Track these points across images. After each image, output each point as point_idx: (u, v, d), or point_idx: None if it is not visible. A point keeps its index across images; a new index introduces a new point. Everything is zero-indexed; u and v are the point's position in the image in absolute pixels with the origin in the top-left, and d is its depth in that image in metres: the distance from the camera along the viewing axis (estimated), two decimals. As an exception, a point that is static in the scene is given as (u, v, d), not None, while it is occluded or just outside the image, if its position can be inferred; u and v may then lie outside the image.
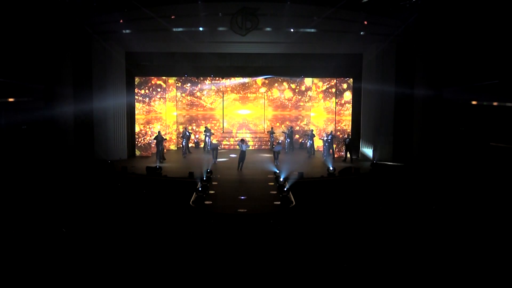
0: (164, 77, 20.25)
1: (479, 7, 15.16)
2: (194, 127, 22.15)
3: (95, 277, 7.64)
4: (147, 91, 19.72)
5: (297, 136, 22.14)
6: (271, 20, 17.27)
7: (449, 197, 12.84)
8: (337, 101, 20.07)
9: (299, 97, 22.34)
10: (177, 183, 14.66)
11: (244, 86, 22.27)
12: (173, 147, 21.54)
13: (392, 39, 17.80)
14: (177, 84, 21.85)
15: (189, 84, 22.06)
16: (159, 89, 20.07)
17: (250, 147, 21.68)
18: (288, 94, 22.33)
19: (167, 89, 20.71)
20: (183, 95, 22.22)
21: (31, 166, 15.67)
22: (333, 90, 20.48)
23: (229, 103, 22.39)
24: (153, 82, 19.92)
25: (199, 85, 22.13)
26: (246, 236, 9.93)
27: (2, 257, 8.26)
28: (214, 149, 18.69)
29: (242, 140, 17.17)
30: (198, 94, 22.32)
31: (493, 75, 15.42)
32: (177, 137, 21.69)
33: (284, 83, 22.21)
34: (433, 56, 17.94)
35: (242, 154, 16.69)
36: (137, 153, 19.51)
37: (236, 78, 21.62)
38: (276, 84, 22.21)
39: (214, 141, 19.94)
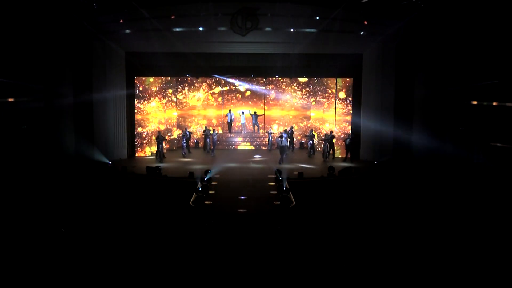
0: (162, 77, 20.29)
1: (479, 7, 15.15)
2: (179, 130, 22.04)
3: (95, 277, 7.63)
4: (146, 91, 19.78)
5: (298, 137, 22.09)
6: (271, 20, 17.25)
7: (449, 197, 12.84)
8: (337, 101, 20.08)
9: (300, 98, 22.34)
10: (177, 183, 14.66)
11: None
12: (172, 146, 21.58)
13: (392, 39, 17.80)
14: (176, 84, 21.85)
15: (185, 84, 22.06)
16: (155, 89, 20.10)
17: (250, 147, 21.69)
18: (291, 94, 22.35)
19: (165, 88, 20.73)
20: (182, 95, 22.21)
21: (31, 166, 15.67)
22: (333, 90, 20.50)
23: (229, 104, 22.42)
24: (151, 83, 19.96)
25: (195, 85, 22.13)
26: (246, 236, 9.92)
27: (2, 257, 8.26)
28: (230, 123, 21.14)
29: (282, 136, 18.22)
30: (191, 94, 22.32)
31: (493, 75, 15.41)
32: (178, 137, 21.68)
33: (283, 83, 22.22)
34: (433, 56, 17.93)
35: (282, 149, 17.96)
36: (148, 153, 19.67)
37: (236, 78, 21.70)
38: (273, 84, 22.23)
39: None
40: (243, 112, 22.01)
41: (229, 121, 21.87)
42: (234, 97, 22.43)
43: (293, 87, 22.19)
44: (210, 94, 22.31)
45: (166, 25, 17.08)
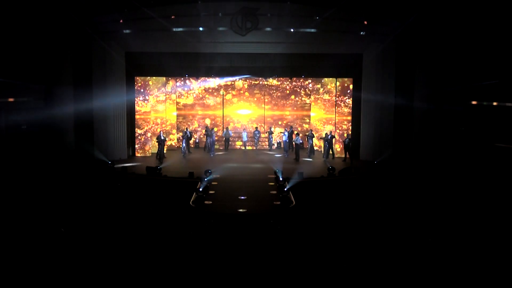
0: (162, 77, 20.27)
1: (479, 7, 15.15)
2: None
3: (95, 277, 7.63)
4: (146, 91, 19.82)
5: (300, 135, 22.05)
6: (271, 20, 17.26)
7: (448, 197, 12.83)
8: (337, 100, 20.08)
9: (299, 97, 22.36)
10: (177, 183, 14.66)
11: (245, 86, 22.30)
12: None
13: (392, 39, 17.80)
14: (176, 83, 21.84)
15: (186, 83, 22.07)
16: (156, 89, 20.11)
17: (250, 147, 21.64)
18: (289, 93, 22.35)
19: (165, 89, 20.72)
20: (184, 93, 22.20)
21: (31, 166, 15.67)
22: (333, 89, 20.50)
23: (229, 104, 22.42)
24: (150, 82, 19.98)
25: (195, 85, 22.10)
26: (246, 236, 9.92)
27: (2, 257, 8.26)
28: (227, 140, 20.78)
29: (297, 134, 19.14)
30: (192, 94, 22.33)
31: (493, 75, 15.42)
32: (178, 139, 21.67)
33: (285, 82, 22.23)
34: (433, 56, 17.93)
35: (297, 147, 18.85)
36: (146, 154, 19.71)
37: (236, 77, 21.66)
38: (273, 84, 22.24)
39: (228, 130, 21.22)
40: (244, 129, 21.48)
41: (225, 139, 21.20)
42: (233, 96, 22.42)
43: (300, 81, 22.04)
44: (206, 93, 22.21)
45: (166, 25, 17.09)
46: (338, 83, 20.09)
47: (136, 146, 19.78)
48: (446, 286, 7.59)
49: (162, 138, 18.55)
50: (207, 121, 22.40)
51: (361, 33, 17.68)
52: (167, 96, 20.82)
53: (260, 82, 22.12)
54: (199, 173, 15.01)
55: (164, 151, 18.94)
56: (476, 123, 16.81)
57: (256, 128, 21.45)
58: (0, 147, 15.12)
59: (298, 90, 22.27)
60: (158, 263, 8.22)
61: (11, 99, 15.83)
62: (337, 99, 20.16)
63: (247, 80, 22.00)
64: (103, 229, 9.94)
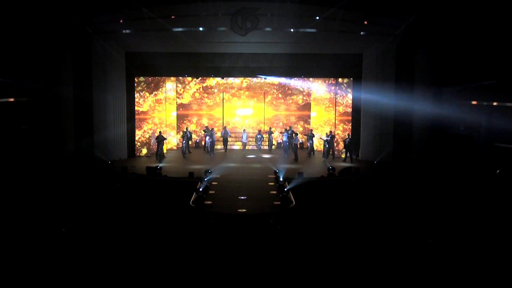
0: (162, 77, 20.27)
1: (479, 7, 15.16)
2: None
3: (95, 277, 7.64)
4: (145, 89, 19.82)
5: (300, 136, 22.06)
6: (271, 20, 17.27)
7: (449, 197, 12.84)
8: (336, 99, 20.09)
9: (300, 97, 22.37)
10: (177, 183, 14.66)
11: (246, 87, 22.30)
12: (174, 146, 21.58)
13: (392, 39, 17.80)
14: (176, 84, 21.84)
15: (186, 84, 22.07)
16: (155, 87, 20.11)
17: (249, 147, 21.62)
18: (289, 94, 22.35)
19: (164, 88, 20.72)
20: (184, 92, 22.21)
21: (31, 166, 15.67)
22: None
23: (227, 103, 22.42)
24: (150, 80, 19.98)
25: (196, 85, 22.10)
26: (246, 236, 9.93)
27: (2, 257, 8.26)
28: (225, 140, 20.69)
29: (297, 134, 19.43)
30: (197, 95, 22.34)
31: (493, 75, 15.43)
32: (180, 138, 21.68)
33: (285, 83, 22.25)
34: (433, 56, 17.92)
35: (295, 147, 18.94)
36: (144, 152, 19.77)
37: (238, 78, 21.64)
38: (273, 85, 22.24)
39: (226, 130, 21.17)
40: (244, 130, 21.14)
41: (223, 139, 20.94)
42: (233, 96, 22.41)
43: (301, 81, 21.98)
44: (204, 92, 22.21)
45: (166, 25, 17.09)
46: (339, 82, 20.12)
47: (136, 146, 19.79)
48: (446, 286, 7.59)
49: (162, 138, 18.54)
50: (205, 121, 22.39)
51: (361, 33, 17.69)
52: (166, 96, 20.81)
53: (260, 82, 22.13)
54: (199, 173, 15.01)
55: (164, 151, 18.93)
56: (476, 123, 16.81)
57: (259, 131, 21.20)
58: (1, 147, 15.12)
59: (299, 89, 22.28)
60: (158, 263, 8.22)
61: (11, 99, 15.83)
62: (337, 99, 20.19)
63: (247, 80, 22.01)
64: (103, 229, 9.94)
